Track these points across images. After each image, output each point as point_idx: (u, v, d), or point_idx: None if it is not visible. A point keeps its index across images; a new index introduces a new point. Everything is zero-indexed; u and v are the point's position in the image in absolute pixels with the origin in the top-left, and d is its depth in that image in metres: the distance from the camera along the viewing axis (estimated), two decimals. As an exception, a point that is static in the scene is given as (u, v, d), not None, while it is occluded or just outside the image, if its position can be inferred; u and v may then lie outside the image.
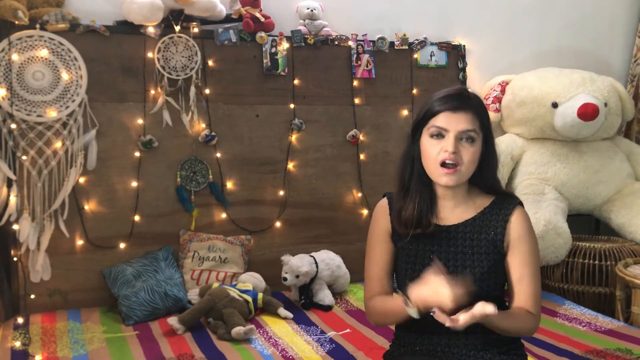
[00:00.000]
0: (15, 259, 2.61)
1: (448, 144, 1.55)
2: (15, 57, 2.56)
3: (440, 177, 1.59)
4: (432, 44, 3.31)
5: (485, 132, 1.61)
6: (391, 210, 1.71)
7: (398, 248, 1.69)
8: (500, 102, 3.42)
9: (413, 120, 1.67)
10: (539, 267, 1.65)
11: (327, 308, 2.71)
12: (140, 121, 2.80)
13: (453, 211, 1.66)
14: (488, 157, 1.63)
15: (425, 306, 1.44)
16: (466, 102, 1.58)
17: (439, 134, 1.58)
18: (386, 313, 1.65)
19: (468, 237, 1.63)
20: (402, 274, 1.67)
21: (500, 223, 1.62)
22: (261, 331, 2.44)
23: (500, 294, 1.66)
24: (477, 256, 1.61)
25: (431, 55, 3.31)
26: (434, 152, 1.58)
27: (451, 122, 1.56)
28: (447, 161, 1.56)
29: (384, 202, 1.74)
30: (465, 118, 1.56)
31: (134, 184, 2.80)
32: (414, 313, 1.46)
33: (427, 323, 1.55)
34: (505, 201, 1.65)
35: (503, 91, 3.42)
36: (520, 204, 1.66)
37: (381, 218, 1.72)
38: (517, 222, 1.62)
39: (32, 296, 2.64)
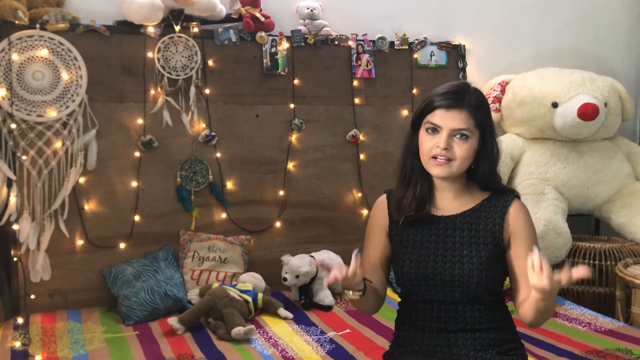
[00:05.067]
0: (15, 259, 2.61)
1: (440, 141, 1.59)
2: (15, 57, 2.56)
3: (431, 167, 1.63)
4: (432, 43, 3.31)
5: (482, 129, 1.62)
6: (389, 203, 1.73)
7: (395, 241, 1.69)
8: (500, 102, 3.42)
9: (413, 113, 1.69)
10: None
11: (327, 308, 2.71)
12: (140, 121, 2.80)
13: (452, 203, 1.68)
14: (484, 153, 1.63)
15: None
16: (462, 100, 1.60)
17: (434, 130, 1.61)
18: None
19: (466, 228, 1.65)
20: (400, 265, 1.67)
21: (499, 214, 1.64)
22: (261, 331, 2.44)
23: (499, 288, 1.66)
24: (475, 246, 1.62)
25: (431, 55, 3.31)
26: (427, 146, 1.62)
27: (445, 119, 1.59)
28: (438, 157, 1.60)
29: (382, 198, 1.77)
30: (459, 116, 1.59)
31: (134, 184, 2.80)
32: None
33: (427, 323, 1.55)
34: (503, 194, 1.68)
35: (503, 91, 3.42)
36: (518, 196, 1.68)
37: (379, 213, 1.76)
38: (515, 214, 1.63)
39: (32, 296, 2.64)
